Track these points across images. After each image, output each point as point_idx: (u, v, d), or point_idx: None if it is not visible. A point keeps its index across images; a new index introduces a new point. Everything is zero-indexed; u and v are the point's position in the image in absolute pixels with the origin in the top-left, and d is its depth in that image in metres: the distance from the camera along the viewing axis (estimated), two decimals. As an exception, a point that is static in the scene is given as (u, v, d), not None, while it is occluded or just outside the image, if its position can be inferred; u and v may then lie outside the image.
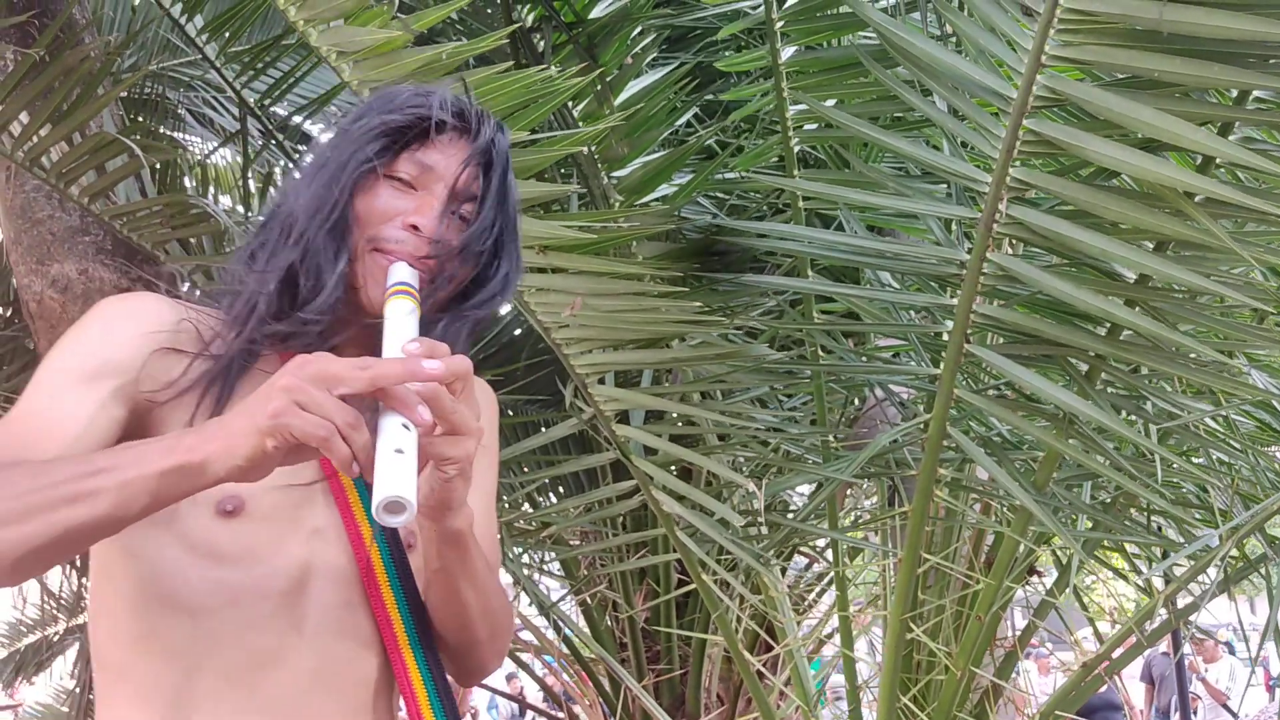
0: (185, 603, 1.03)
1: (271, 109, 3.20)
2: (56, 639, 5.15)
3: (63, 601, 4.86)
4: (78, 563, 3.13)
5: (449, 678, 1.15)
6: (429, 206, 1.08)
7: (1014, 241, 1.89)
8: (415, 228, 1.08)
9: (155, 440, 0.94)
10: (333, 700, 1.07)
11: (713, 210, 2.56)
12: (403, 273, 1.06)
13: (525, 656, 4.00)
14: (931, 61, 1.64)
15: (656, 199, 2.41)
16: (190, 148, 3.53)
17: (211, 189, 3.50)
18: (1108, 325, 1.81)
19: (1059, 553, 2.70)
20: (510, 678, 9.31)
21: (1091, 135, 1.58)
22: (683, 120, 2.66)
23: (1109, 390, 1.85)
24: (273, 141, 3.28)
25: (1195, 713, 8.42)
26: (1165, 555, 2.35)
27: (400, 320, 1.00)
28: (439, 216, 1.09)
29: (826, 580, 3.74)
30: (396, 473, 0.86)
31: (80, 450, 0.98)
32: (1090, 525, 2.27)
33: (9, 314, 2.92)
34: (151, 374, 1.04)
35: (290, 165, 3.51)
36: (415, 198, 1.09)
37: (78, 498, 0.88)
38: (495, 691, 5.69)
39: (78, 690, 4.41)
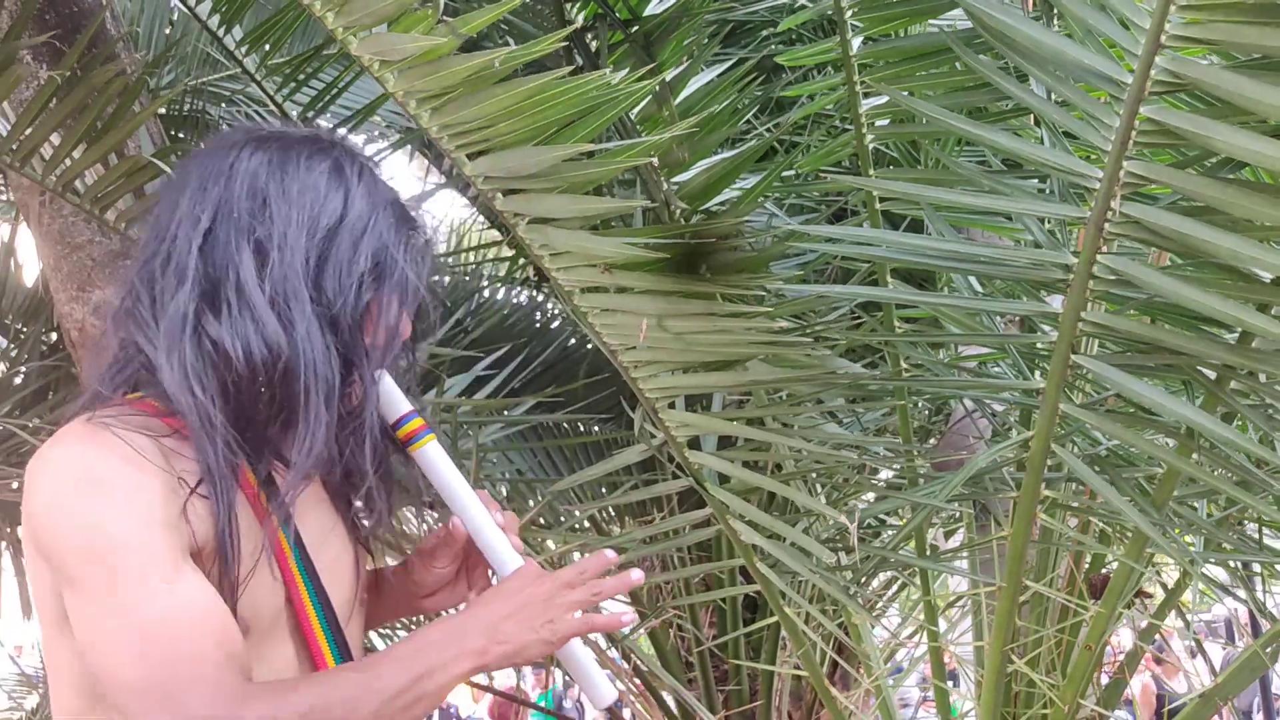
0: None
1: (314, 122, 3.10)
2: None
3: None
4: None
5: None
6: (405, 320, 1.13)
7: (1121, 242, 1.72)
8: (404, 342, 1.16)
9: (438, 638, 1.04)
10: None
11: (777, 214, 2.41)
12: (398, 396, 1.13)
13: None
14: (1033, 45, 1.48)
15: (719, 204, 2.27)
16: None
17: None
18: (1238, 332, 1.63)
19: (1159, 573, 2.52)
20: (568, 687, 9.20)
21: (1218, 123, 1.41)
22: (741, 121, 2.52)
23: (1241, 402, 1.67)
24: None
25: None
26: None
27: (447, 468, 1.14)
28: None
29: (893, 592, 3.58)
30: (601, 676, 1.16)
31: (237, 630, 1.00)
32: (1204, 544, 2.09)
33: (54, 341, 2.84)
34: (191, 529, 1.01)
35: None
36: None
37: (416, 703, 1.01)
38: (551, 713, 5.57)
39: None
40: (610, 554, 1.11)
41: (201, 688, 0.95)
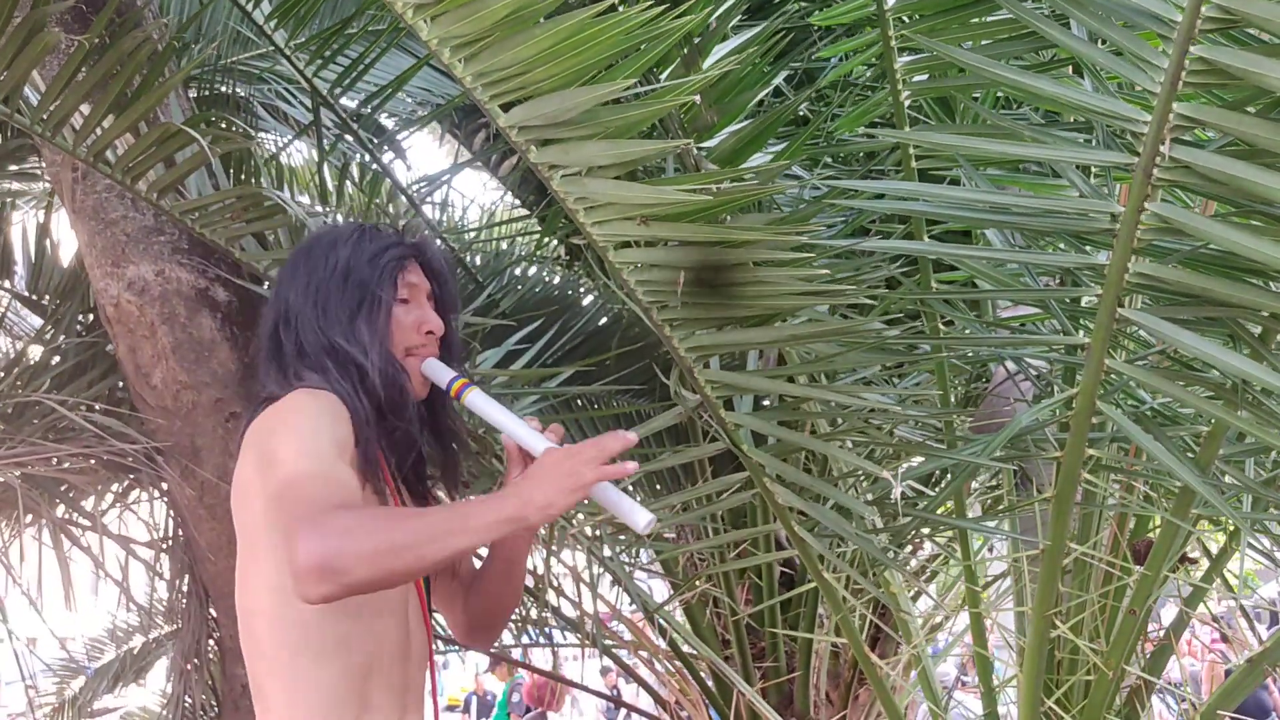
0: (364, 611, 1.38)
1: (342, 100, 3.10)
2: (155, 645, 5.16)
3: (158, 609, 4.86)
4: (165, 574, 3.06)
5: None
6: (432, 316, 1.53)
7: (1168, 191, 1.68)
8: (430, 332, 1.53)
9: (486, 499, 1.34)
10: (423, 677, 1.51)
11: (808, 178, 2.38)
12: (443, 369, 1.51)
13: (623, 654, 3.86)
14: (1076, -14, 1.44)
15: (750, 169, 2.25)
16: (264, 144, 3.44)
17: (287, 189, 3.42)
18: (1290, 280, 1.59)
19: (1202, 537, 2.48)
20: (605, 672, 9.21)
21: (1273, 60, 1.37)
22: (768, 89, 2.48)
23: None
24: (347, 133, 3.18)
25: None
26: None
27: (493, 405, 1.46)
28: (438, 318, 1.53)
29: (935, 566, 3.54)
30: (634, 505, 1.35)
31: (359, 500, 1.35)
32: (1253, 504, 2.05)
33: (90, 320, 2.86)
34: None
35: (364, 157, 3.41)
36: (413, 309, 1.53)
37: (456, 533, 1.26)
38: (591, 691, 5.57)
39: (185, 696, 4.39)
40: (629, 435, 1.34)
41: (315, 487, 1.28)
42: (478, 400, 1.45)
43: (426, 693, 1.52)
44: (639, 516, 1.33)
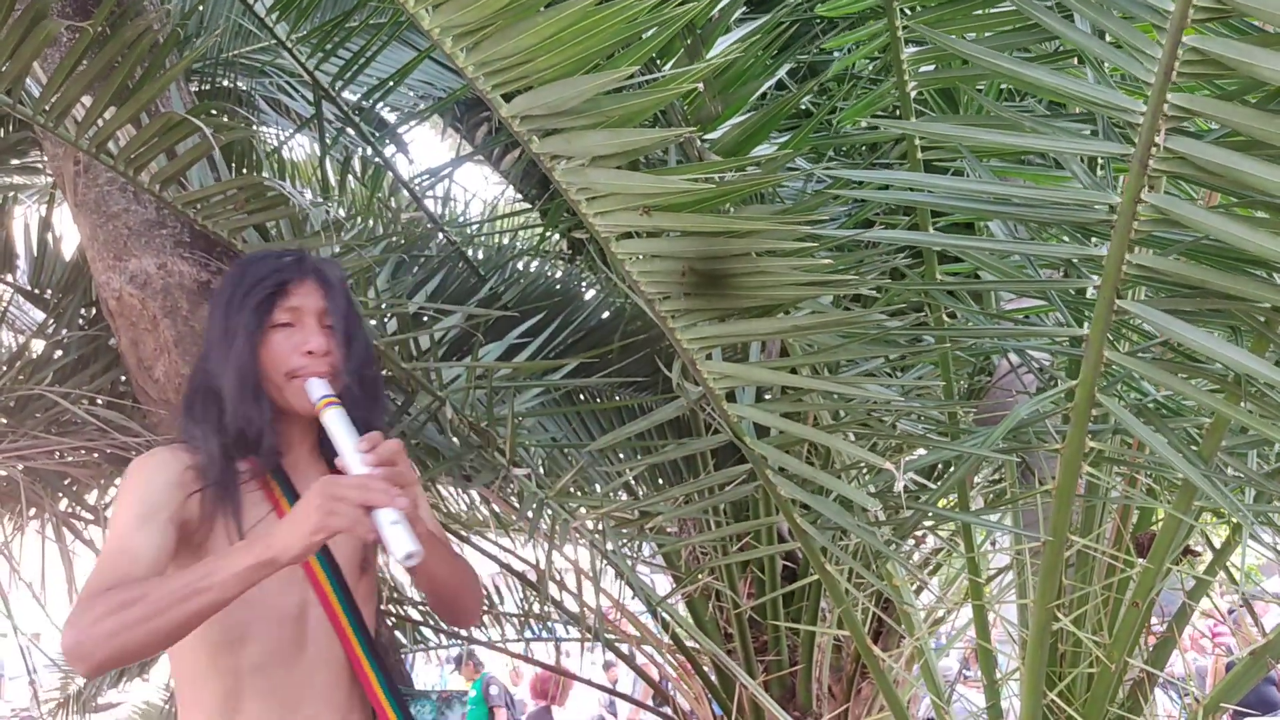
0: (229, 637, 1.59)
1: (343, 94, 3.09)
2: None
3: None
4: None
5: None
6: (314, 336, 1.63)
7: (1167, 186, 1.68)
8: (311, 352, 1.62)
9: (234, 549, 1.43)
10: (332, 677, 1.65)
11: (813, 170, 2.37)
12: (320, 387, 1.60)
13: (625, 648, 3.86)
14: (1078, -25, 1.44)
15: (753, 159, 2.24)
16: (266, 137, 3.44)
17: (289, 184, 3.42)
18: (1290, 271, 1.58)
19: (1206, 530, 2.47)
20: (608, 666, 9.22)
21: (1266, 50, 1.36)
22: (771, 81, 2.48)
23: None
24: (348, 127, 3.18)
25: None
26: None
27: (339, 424, 1.54)
28: (321, 337, 1.63)
29: (938, 559, 3.54)
30: (400, 537, 1.39)
31: (158, 566, 1.50)
32: (1256, 497, 2.04)
33: (92, 314, 2.86)
34: (187, 505, 1.58)
35: (366, 151, 3.41)
36: (298, 331, 1.63)
37: (198, 592, 1.38)
38: (592, 684, 5.57)
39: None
40: (396, 442, 1.47)
41: (101, 569, 1.48)
42: (329, 419, 1.55)
43: (346, 691, 1.65)
44: (398, 546, 1.38)
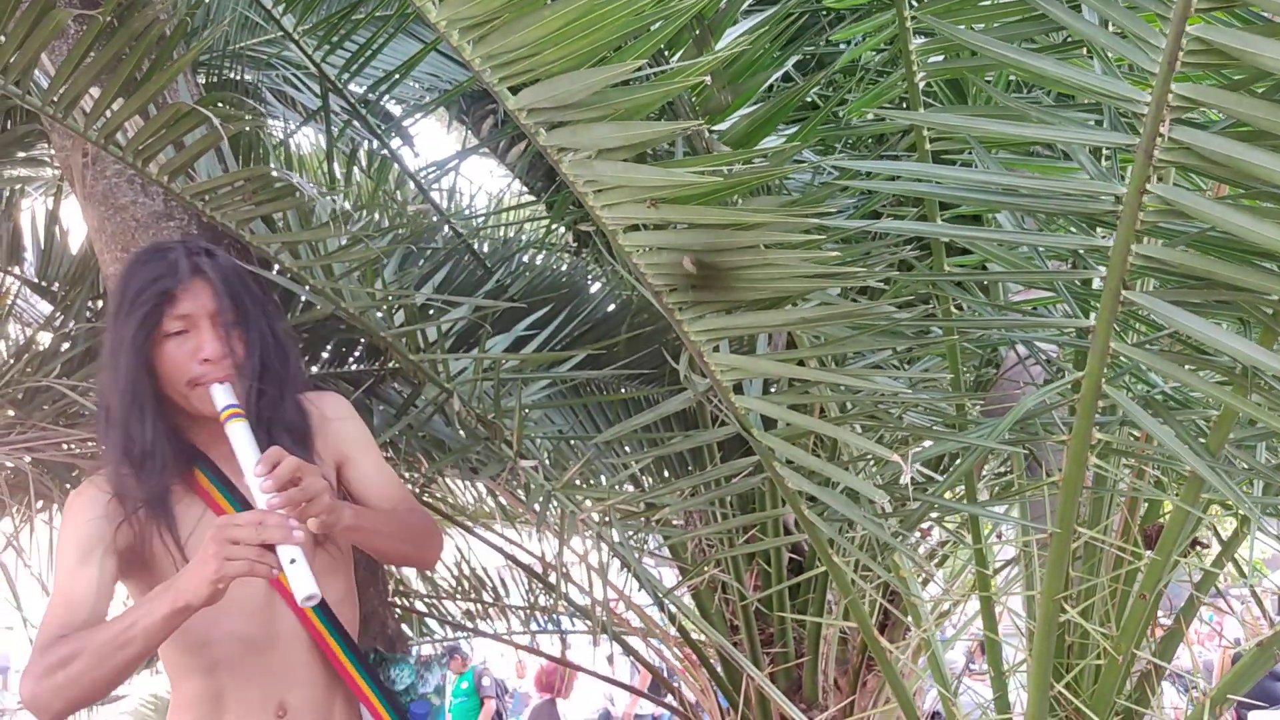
0: (195, 639, 1.63)
1: (349, 87, 3.09)
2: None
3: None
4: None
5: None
6: (208, 342, 1.61)
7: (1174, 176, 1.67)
8: (207, 359, 1.60)
9: (154, 596, 1.49)
10: (306, 658, 1.68)
11: (821, 163, 2.37)
12: (223, 395, 1.59)
13: (632, 640, 3.87)
14: (1084, -36, 1.43)
15: (761, 151, 2.24)
16: (273, 131, 3.44)
17: (296, 177, 3.42)
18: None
19: (1215, 522, 2.47)
20: (612, 659, 9.22)
21: (1270, 40, 1.35)
22: (779, 74, 2.48)
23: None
24: (355, 120, 3.18)
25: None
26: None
27: (241, 439, 1.55)
28: (216, 342, 1.61)
29: (945, 551, 3.54)
30: (299, 577, 1.44)
31: (101, 604, 1.58)
32: (1264, 489, 2.04)
33: (100, 306, 2.87)
34: (120, 534, 1.62)
35: (373, 143, 3.41)
36: (192, 337, 1.61)
37: (128, 642, 1.47)
38: (598, 676, 5.58)
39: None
40: (293, 461, 1.49)
41: (47, 620, 1.57)
42: (232, 431, 1.55)
43: (328, 670, 1.69)
44: (297, 588, 1.42)
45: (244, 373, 1.63)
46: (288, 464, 1.49)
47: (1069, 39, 1.98)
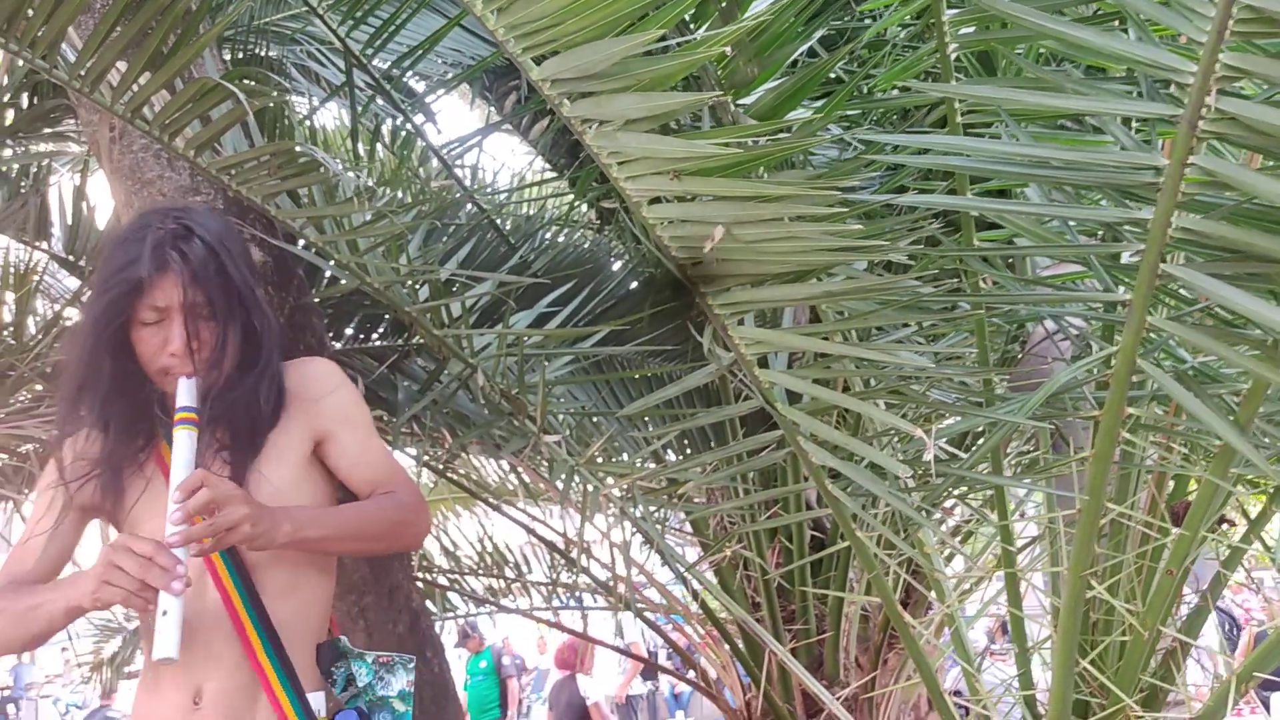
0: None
1: (373, 62, 3.09)
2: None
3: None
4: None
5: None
6: (175, 336, 1.60)
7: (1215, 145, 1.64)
8: (173, 354, 1.60)
9: (58, 586, 1.60)
10: (219, 649, 1.63)
11: (847, 138, 2.35)
12: (184, 394, 1.59)
13: (653, 616, 3.88)
14: (1122, -69, 1.41)
15: (786, 122, 2.22)
16: (297, 106, 3.45)
17: (321, 152, 3.42)
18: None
19: (1242, 499, 2.45)
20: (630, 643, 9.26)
21: (1323, 8, 1.33)
22: (805, 47, 2.45)
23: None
24: (378, 96, 3.18)
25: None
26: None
27: (180, 450, 1.54)
28: (184, 337, 1.60)
29: (970, 527, 3.53)
30: (164, 633, 1.45)
31: (47, 558, 1.70)
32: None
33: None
34: (81, 491, 1.68)
35: (397, 119, 3.41)
36: (163, 328, 1.61)
37: (32, 620, 1.57)
38: (619, 650, 5.62)
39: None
40: (206, 493, 1.48)
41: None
42: (176, 439, 1.56)
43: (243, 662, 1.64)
44: (158, 645, 1.43)
45: (210, 366, 1.63)
46: (200, 496, 1.48)
47: (1099, 11, 1.95)
